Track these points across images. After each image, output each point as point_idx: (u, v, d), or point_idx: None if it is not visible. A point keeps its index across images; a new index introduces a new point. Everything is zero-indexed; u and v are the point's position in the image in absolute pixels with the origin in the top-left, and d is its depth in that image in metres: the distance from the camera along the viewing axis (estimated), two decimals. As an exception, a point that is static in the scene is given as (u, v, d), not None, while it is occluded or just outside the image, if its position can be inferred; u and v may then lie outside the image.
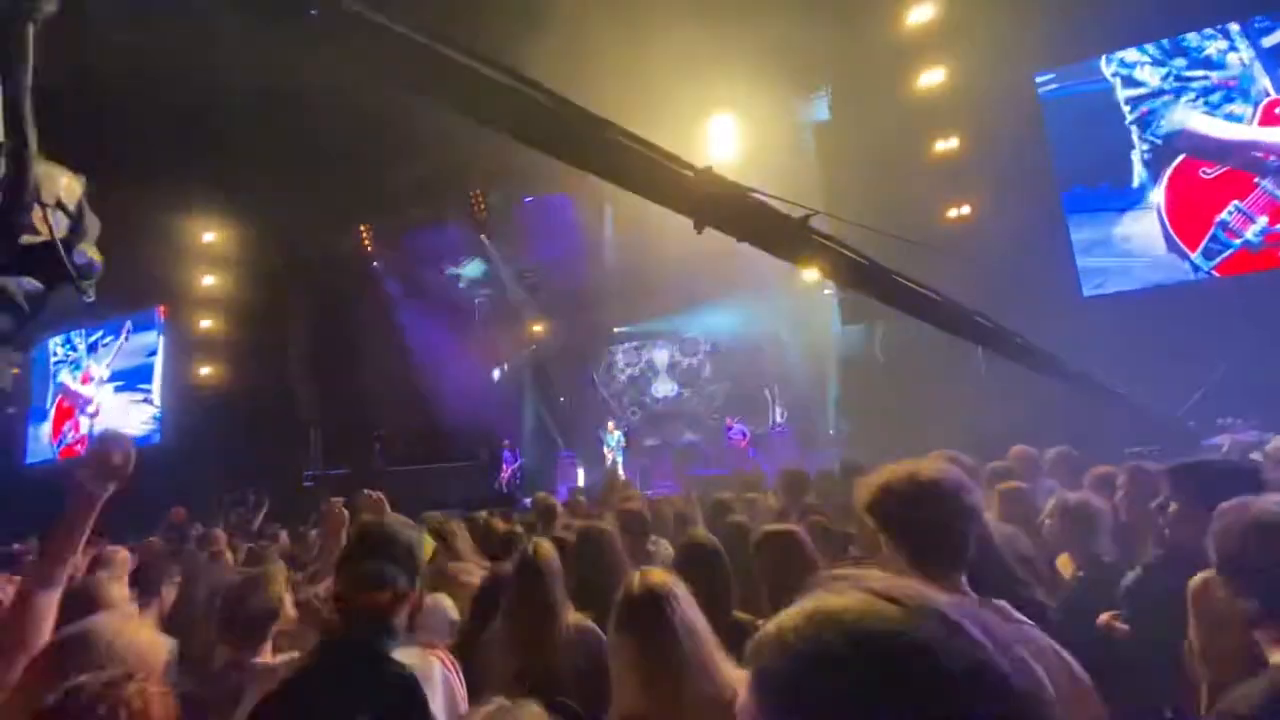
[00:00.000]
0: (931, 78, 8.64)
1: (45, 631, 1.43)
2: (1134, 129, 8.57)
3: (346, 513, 2.56)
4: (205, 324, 11.61)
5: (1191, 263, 8.26)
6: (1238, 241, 8.06)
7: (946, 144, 8.76)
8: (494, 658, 1.92)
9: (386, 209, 11.48)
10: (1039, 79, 8.80)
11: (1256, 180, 7.95)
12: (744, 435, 11.50)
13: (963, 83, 8.42)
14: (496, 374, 13.47)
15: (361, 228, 11.55)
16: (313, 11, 1.45)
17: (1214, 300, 7.66)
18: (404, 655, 1.51)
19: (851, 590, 0.52)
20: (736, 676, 1.38)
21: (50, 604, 1.45)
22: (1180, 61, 8.53)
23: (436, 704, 1.48)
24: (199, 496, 8.06)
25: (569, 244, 12.79)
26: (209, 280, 11.26)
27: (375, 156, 9.08)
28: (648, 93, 6.98)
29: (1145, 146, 8.49)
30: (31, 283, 1.12)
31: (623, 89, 5.75)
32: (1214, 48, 8.34)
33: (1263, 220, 7.96)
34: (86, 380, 13.22)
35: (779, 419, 11.60)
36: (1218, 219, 8.16)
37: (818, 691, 0.48)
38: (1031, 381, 5.30)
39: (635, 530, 3.16)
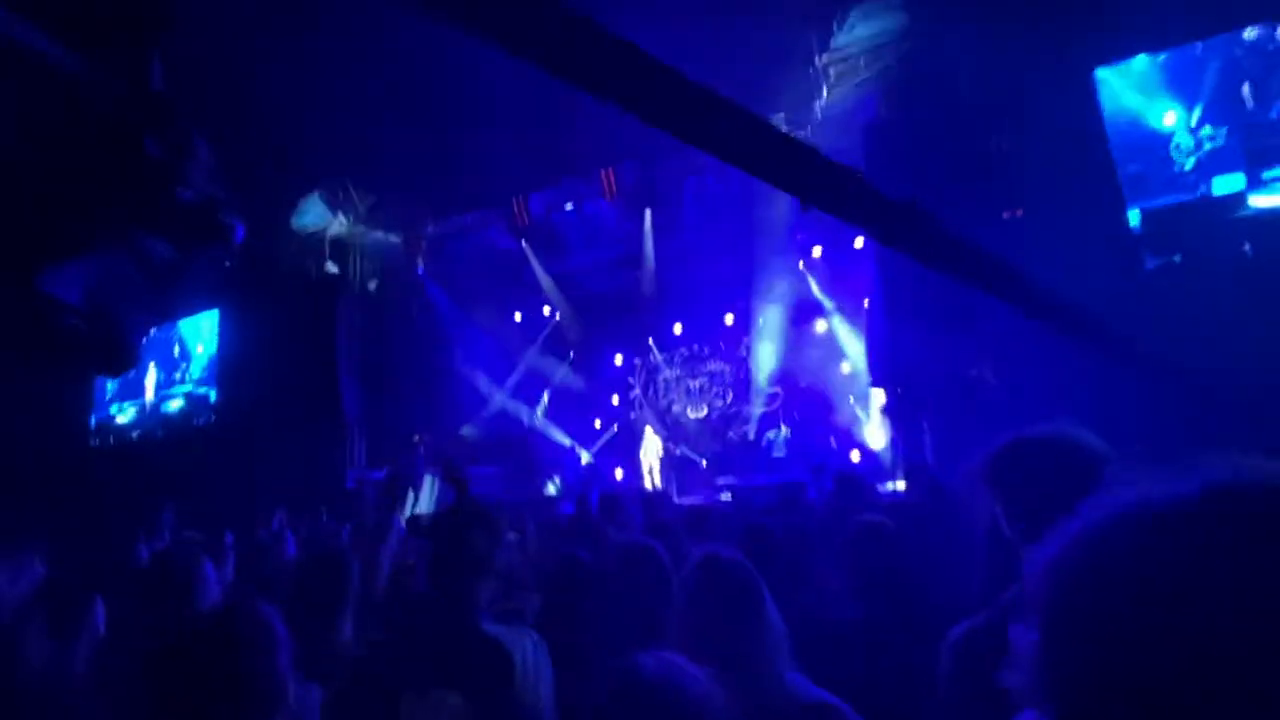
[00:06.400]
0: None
1: None
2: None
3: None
4: (259, 324, 12.05)
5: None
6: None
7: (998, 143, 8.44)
8: None
9: (434, 215, 11.76)
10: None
11: None
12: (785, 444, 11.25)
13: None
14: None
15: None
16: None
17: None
18: (495, 629, 1.55)
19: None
20: None
21: None
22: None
23: (526, 679, 1.49)
24: (248, 488, 8.29)
25: (607, 252, 12.86)
26: (262, 282, 11.68)
27: (426, 163, 9.30)
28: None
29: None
30: (166, 249, 1.06)
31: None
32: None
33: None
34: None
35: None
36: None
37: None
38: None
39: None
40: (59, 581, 2.54)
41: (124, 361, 1.06)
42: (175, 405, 13.48)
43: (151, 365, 14.09)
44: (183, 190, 0.93)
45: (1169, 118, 7.16)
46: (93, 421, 14.20)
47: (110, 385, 14.42)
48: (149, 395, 13.92)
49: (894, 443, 9.64)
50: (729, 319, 12.97)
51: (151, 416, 13.74)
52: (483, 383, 13.17)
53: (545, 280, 12.96)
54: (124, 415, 14.10)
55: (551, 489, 12.24)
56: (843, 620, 1.97)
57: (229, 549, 4.33)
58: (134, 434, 13.73)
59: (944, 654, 1.14)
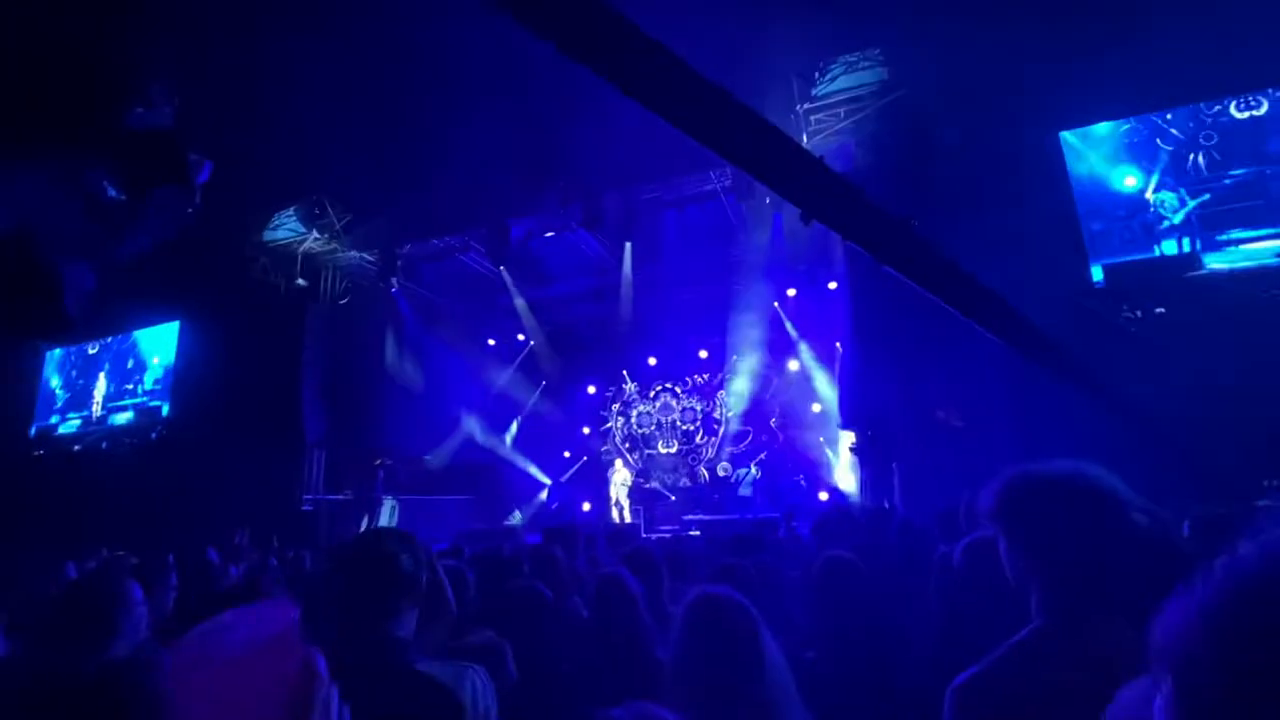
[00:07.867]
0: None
1: None
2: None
3: None
4: (221, 337, 11.64)
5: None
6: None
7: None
8: None
9: (411, 235, 11.62)
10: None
11: None
12: (752, 484, 11.20)
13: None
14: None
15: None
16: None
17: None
18: (432, 667, 1.31)
19: None
20: None
21: None
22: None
23: None
24: (196, 508, 7.89)
25: (585, 282, 12.86)
26: (227, 294, 11.34)
27: (402, 181, 9.22)
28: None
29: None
30: (115, 185, 0.88)
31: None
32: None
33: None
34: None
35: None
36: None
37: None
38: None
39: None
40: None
41: (56, 321, 0.90)
42: (124, 418, 12.87)
43: (102, 376, 13.51)
44: (140, 113, 0.81)
45: (1129, 180, 7.52)
46: (32, 431, 13.49)
47: (59, 396, 13.75)
48: (96, 408, 13.30)
49: (863, 484, 9.65)
50: (703, 354, 13.04)
51: (97, 428, 13.09)
52: (451, 408, 12.90)
53: (521, 306, 12.87)
54: (67, 426, 13.41)
55: (516, 519, 11.95)
56: (814, 660, 1.91)
57: (171, 569, 4.05)
58: (75, 446, 13.03)
59: (948, 701, 1.06)
